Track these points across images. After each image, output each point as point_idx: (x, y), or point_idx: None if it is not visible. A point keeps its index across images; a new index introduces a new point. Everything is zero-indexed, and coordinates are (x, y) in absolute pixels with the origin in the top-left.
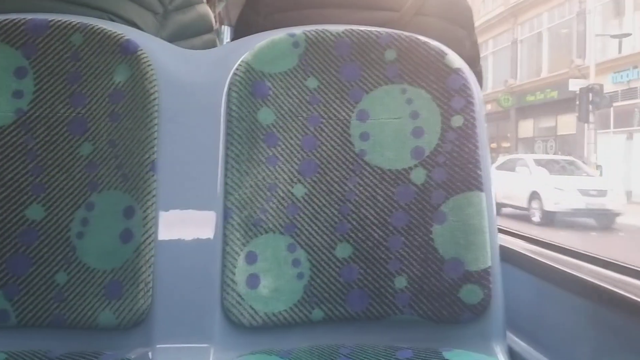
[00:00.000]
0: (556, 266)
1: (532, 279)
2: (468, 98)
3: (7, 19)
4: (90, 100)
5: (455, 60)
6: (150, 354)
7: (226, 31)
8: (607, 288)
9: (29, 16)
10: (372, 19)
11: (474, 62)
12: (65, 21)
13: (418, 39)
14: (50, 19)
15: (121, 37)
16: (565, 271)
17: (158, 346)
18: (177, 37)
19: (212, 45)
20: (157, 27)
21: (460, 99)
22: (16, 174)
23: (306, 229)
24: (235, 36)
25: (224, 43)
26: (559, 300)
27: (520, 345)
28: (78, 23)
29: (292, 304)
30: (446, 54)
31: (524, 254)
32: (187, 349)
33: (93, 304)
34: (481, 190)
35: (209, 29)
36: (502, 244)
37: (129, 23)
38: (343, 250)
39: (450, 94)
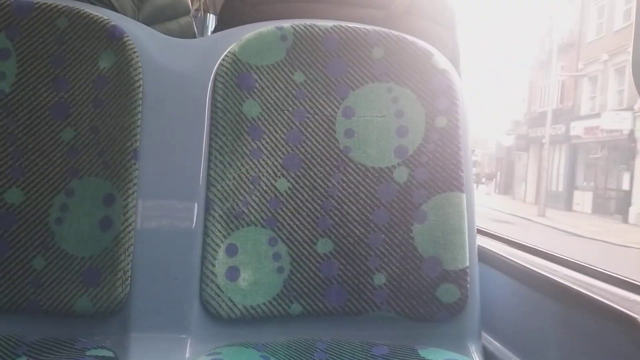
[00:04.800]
0: (531, 268)
1: (508, 280)
2: (453, 100)
3: None
4: (73, 85)
5: (441, 61)
6: (126, 342)
7: (211, 20)
8: (578, 291)
9: None
10: (360, 16)
11: (455, 63)
12: (51, 4)
13: (405, 38)
14: (35, 1)
15: (107, 23)
16: (539, 273)
17: (134, 335)
18: (154, 20)
19: (189, 29)
20: (134, 9)
21: (444, 100)
22: None
23: (288, 224)
24: (219, 25)
25: (209, 32)
26: (533, 302)
27: (495, 345)
28: (64, 6)
29: (270, 297)
30: (433, 55)
31: (501, 256)
32: (164, 339)
33: (70, 291)
34: (462, 191)
35: (185, 11)
36: (480, 244)
37: (106, 5)
38: (324, 246)
39: (436, 94)
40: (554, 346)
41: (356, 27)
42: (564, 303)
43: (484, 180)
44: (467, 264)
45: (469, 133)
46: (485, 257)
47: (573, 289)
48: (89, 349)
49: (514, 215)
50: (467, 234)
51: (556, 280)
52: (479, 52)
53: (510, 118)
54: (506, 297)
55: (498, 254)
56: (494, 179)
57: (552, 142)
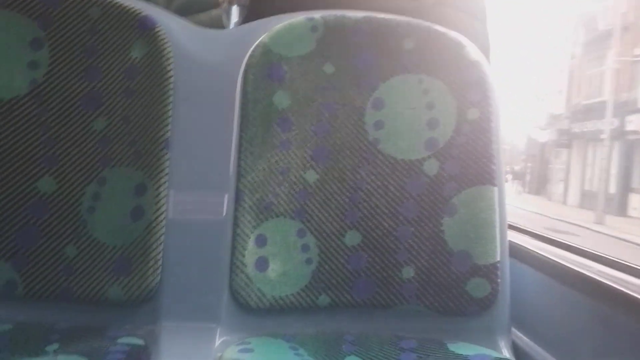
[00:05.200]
0: (563, 263)
1: (539, 275)
2: (485, 91)
3: None
4: (105, 75)
5: (473, 52)
6: (156, 331)
7: (234, 11)
8: (612, 287)
9: None
10: (391, 6)
11: (486, 54)
12: None
13: (437, 30)
14: None
15: (139, 13)
16: (572, 269)
17: (164, 323)
18: (185, 11)
19: (218, 21)
20: (166, 1)
21: (477, 92)
22: (28, 146)
23: (316, 215)
24: (250, 15)
25: (232, 23)
26: (565, 297)
27: (524, 340)
28: None
29: (299, 288)
30: (465, 46)
31: (532, 251)
32: (194, 328)
33: (101, 279)
34: (493, 184)
35: (215, 4)
36: (510, 239)
37: None
38: (352, 238)
39: (468, 86)
40: (586, 343)
41: (387, 18)
42: (598, 300)
43: (509, 177)
44: (498, 258)
45: (500, 125)
46: (515, 251)
47: (609, 285)
48: (120, 337)
49: (566, 222)
50: (498, 228)
51: (591, 277)
52: (505, 39)
53: (546, 111)
54: (537, 292)
55: (529, 248)
56: (523, 177)
57: (603, 139)
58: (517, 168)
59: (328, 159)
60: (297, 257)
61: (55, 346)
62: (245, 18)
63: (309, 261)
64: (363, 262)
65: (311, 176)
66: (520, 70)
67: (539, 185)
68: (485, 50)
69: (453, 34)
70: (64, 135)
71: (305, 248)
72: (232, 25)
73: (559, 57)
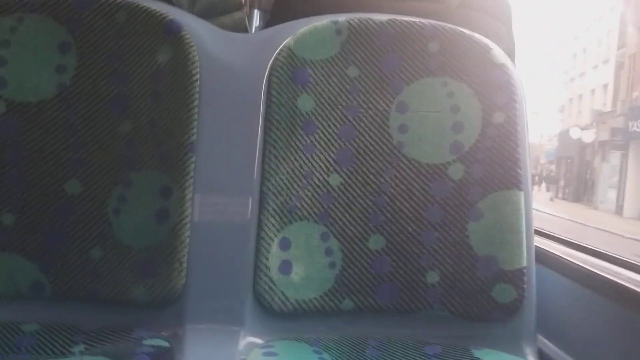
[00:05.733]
0: (592, 270)
1: (566, 281)
2: (511, 95)
3: None
4: (132, 79)
5: (499, 55)
6: (180, 332)
7: (256, 15)
8: None
9: None
10: (415, 9)
11: (511, 58)
12: None
13: (462, 32)
14: None
15: (165, 17)
16: (602, 275)
17: (189, 326)
18: (208, 14)
19: (241, 24)
20: (189, 3)
21: (503, 95)
22: (56, 149)
23: (340, 219)
24: (273, 19)
25: (254, 27)
26: (593, 305)
27: (551, 347)
28: (123, 0)
29: (322, 292)
30: (491, 49)
31: (559, 256)
32: (218, 330)
33: (127, 280)
34: (520, 189)
35: (238, 6)
36: (536, 244)
37: None
38: (376, 242)
39: (493, 89)
40: (614, 352)
41: (411, 21)
42: (628, 308)
43: (540, 182)
44: (525, 263)
45: (527, 129)
46: (541, 257)
47: (638, 292)
48: (145, 339)
49: None
50: (524, 233)
51: (621, 284)
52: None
53: (589, 108)
54: (564, 298)
55: (555, 254)
56: (556, 182)
57: None
58: (545, 173)
59: (352, 163)
60: (321, 261)
61: (80, 347)
62: (268, 22)
63: (332, 265)
64: (387, 266)
65: (335, 180)
66: (554, 67)
67: (577, 191)
68: (510, 53)
69: (478, 36)
70: (90, 138)
71: (328, 252)
72: (254, 29)
73: (602, 47)
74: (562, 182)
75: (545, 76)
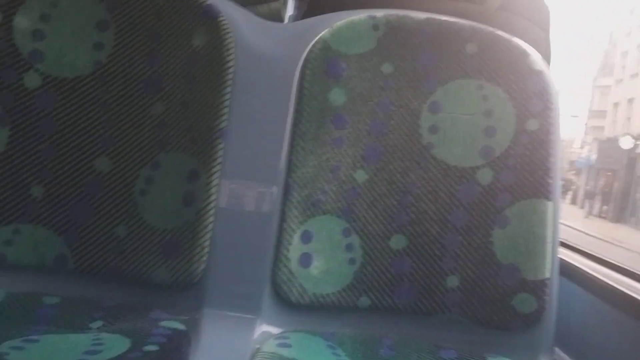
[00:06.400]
0: (615, 286)
1: (589, 296)
2: (547, 103)
3: None
4: (167, 61)
5: (537, 61)
6: (198, 316)
7: (291, 5)
8: None
9: None
10: (455, 9)
11: (547, 64)
12: None
13: (501, 36)
14: None
15: (204, 1)
16: (624, 292)
17: (206, 310)
18: (245, 1)
19: (277, 14)
20: None
21: (538, 103)
22: (88, 125)
23: (363, 216)
24: (310, 10)
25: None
26: (615, 321)
27: None
28: None
29: (340, 287)
30: (529, 55)
31: (582, 270)
32: (234, 318)
33: (149, 260)
34: (549, 199)
35: None
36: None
37: None
38: (398, 242)
39: (529, 96)
40: None
41: (450, 21)
42: None
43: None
44: (548, 275)
45: (559, 138)
46: (564, 269)
47: None
48: (163, 320)
49: None
50: (550, 244)
51: None
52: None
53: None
54: (584, 313)
55: (579, 267)
56: (592, 197)
57: None
58: (586, 187)
59: (379, 160)
60: (341, 256)
61: (98, 323)
62: (305, 13)
63: (352, 261)
64: (407, 266)
65: (361, 176)
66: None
67: (621, 209)
68: (546, 59)
69: (517, 41)
70: (122, 117)
71: (349, 248)
72: (287, 18)
73: None
74: (598, 197)
75: (580, 80)
